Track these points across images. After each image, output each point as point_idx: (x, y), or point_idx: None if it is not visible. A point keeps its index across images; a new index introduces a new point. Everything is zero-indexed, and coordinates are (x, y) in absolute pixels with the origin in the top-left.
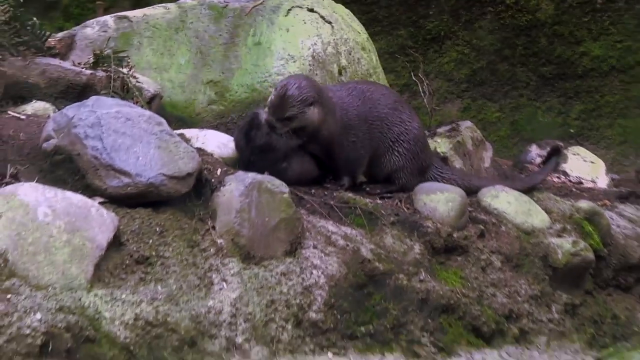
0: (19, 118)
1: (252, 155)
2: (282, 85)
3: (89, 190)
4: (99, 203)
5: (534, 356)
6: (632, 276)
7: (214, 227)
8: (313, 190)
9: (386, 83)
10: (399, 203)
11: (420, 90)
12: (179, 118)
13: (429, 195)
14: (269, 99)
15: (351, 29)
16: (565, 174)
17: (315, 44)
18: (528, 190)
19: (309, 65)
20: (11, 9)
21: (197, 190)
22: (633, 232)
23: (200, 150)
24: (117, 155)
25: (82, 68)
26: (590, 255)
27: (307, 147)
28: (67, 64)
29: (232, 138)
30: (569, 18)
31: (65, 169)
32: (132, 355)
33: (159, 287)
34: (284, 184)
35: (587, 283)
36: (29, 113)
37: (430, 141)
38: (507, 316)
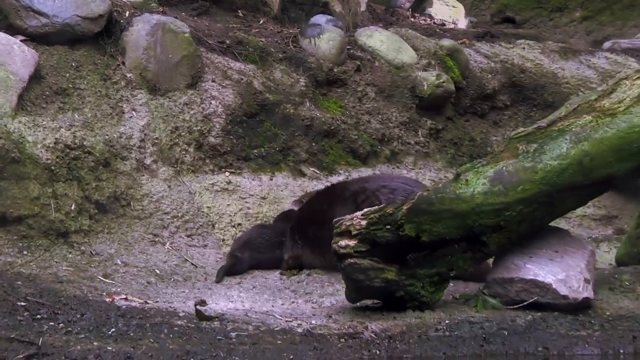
0: None
1: None
2: None
3: (12, 29)
4: (21, 41)
5: (404, 173)
6: (486, 104)
7: (123, 63)
8: (212, 31)
9: None
10: (287, 42)
11: None
12: None
13: (313, 35)
14: None
15: None
16: (430, 16)
17: None
18: None
19: None
20: None
21: (108, 30)
22: (488, 67)
23: None
24: None
25: None
26: (451, 86)
27: None
28: None
29: None
30: None
31: None
32: (54, 174)
33: (76, 115)
34: (185, 24)
35: (448, 110)
36: None
37: None
38: (380, 139)
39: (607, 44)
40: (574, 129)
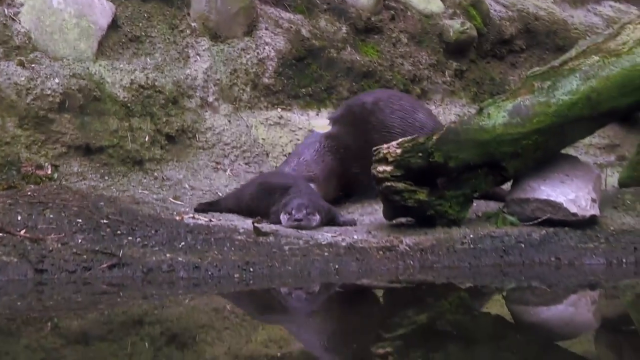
0: None
1: None
2: None
3: None
4: None
5: (432, 109)
6: (505, 48)
7: (189, 14)
8: None
9: None
10: None
11: None
12: None
13: None
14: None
15: None
16: None
17: None
18: None
19: None
20: None
21: None
22: (506, 15)
23: None
24: None
25: None
26: (474, 32)
27: None
28: None
29: None
30: None
31: None
32: (129, 110)
33: (148, 59)
34: None
35: (471, 54)
36: None
37: None
38: (412, 79)
39: None
40: (583, 68)
